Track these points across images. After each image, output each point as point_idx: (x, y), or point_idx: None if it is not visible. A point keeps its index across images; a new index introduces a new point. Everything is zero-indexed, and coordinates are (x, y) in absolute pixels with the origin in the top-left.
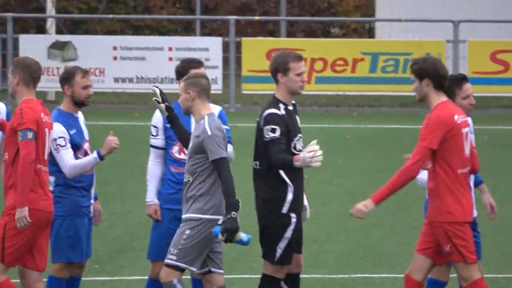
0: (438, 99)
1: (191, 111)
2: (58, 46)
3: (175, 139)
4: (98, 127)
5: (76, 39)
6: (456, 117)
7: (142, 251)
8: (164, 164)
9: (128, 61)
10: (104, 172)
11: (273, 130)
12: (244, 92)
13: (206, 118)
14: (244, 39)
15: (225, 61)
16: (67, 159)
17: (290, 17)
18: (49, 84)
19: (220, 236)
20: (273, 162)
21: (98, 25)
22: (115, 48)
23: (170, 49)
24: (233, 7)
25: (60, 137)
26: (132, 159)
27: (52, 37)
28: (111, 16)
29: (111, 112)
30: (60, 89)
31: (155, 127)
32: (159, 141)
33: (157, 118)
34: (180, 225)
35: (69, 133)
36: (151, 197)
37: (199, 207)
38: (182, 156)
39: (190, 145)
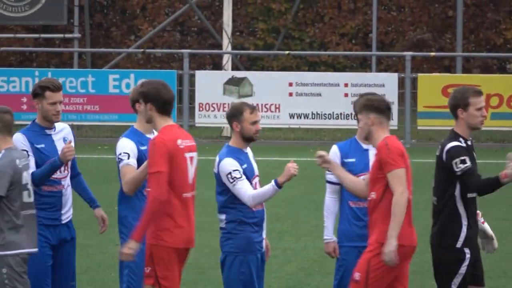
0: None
1: None
2: (234, 82)
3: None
4: (273, 163)
5: (252, 75)
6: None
7: (317, 287)
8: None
9: (303, 97)
10: (277, 208)
11: (463, 161)
12: (419, 128)
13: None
14: (420, 75)
15: (401, 97)
16: (245, 190)
17: (466, 53)
18: (225, 120)
19: None
20: (477, 190)
21: (274, 61)
22: (291, 84)
23: (346, 85)
24: (409, 43)
25: (234, 170)
26: (307, 195)
27: (228, 73)
28: (287, 52)
29: (286, 148)
30: None
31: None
32: (335, 176)
33: (334, 153)
34: None
35: (241, 168)
36: (330, 234)
37: None
38: None
39: None
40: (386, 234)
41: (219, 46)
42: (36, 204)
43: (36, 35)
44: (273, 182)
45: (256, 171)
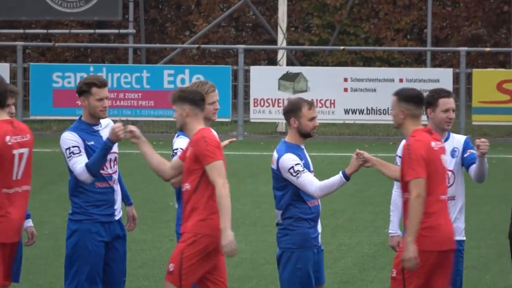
0: None
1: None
2: (289, 77)
3: None
4: (328, 158)
5: (307, 71)
6: None
7: (371, 282)
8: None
9: (358, 93)
10: (332, 203)
11: None
12: (474, 123)
13: None
14: (474, 70)
15: (456, 92)
16: (311, 182)
17: None
18: (279, 115)
19: None
20: None
21: (329, 56)
22: (345, 80)
23: (401, 80)
24: (463, 38)
25: (296, 164)
26: (362, 190)
27: (283, 68)
28: (342, 47)
29: (341, 143)
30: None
31: (400, 157)
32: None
33: (400, 149)
34: None
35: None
36: (394, 228)
37: None
38: None
39: None
40: (202, 224)
41: (274, 42)
42: (90, 201)
43: (91, 31)
44: (340, 173)
45: (311, 167)
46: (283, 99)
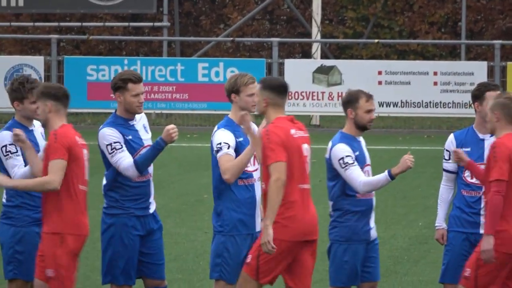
0: None
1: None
2: (323, 70)
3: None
4: None
5: (341, 64)
6: None
7: (405, 275)
8: (455, 188)
9: (393, 86)
10: None
11: None
12: None
13: None
14: (509, 63)
15: None
16: (357, 176)
17: None
18: (314, 108)
19: None
20: None
21: (363, 49)
22: (380, 73)
23: (435, 73)
24: (498, 31)
25: (347, 156)
26: (395, 184)
27: (317, 61)
28: (376, 40)
29: (375, 136)
30: (325, 113)
31: (447, 150)
32: (451, 165)
33: (450, 142)
34: None
35: (354, 154)
36: (440, 221)
37: None
38: (473, 180)
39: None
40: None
41: (308, 35)
42: (127, 195)
43: (126, 24)
44: (386, 172)
45: (368, 160)
46: (317, 92)
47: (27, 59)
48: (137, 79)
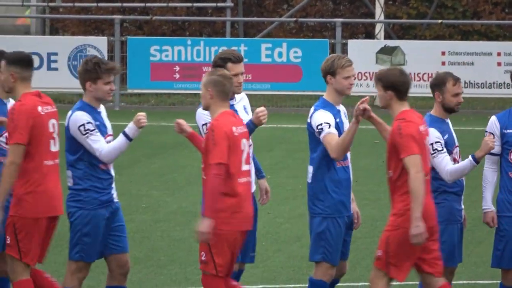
0: None
1: None
2: (386, 51)
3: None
4: None
5: (405, 44)
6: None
7: (469, 255)
8: (499, 170)
9: (456, 66)
10: None
11: None
12: None
13: None
14: None
15: None
16: (445, 164)
17: None
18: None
19: None
20: None
21: (427, 30)
22: (443, 53)
23: (499, 54)
24: None
25: (436, 142)
26: None
27: (380, 42)
28: (439, 21)
29: None
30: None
31: (491, 133)
32: (496, 147)
33: (493, 124)
34: None
35: (443, 139)
36: (488, 204)
37: None
38: None
39: None
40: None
41: (372, 15)
42: None
43: (189, 4)
44: (470, 157)
45: (456, 141)
46: None
47: (91, 40)
48: (237, 59)
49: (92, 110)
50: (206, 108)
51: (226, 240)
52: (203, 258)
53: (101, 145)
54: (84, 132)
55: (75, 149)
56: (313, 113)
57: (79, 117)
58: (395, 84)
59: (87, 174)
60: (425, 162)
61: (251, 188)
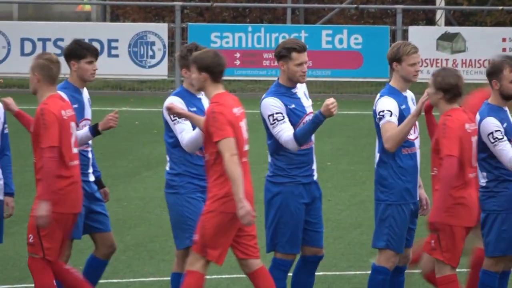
0: None
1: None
2: (447, 37)
3: None
4: None
5: (465, 31)
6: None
7: None
8: None
9: None
10: None
11: None
12: None
13: None
14: None
15: None
16: (507, 152)
17: None
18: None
19: None
20: None
21: (488, 16)
22: (504, 40)
23: None
24: None
25: (496, 131)
26: None
27: (441, 28)
28: (500, 7)
29: None
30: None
31: None
32: None
33: None
34: None
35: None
36: None
37: None
38: None
39: None
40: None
41: (432, 2)
42: (293, 164)
43: None
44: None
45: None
46: (441, 59)
47: (151, 26)
48: (301, 48)
49: (191, 97)
50: (34, 93)
51: (57, 223)
52: (30, 240)
53: (185, 133)
54: (172, 119)
55: (170, 134)
56: (378, 99)
57: (170, 102)
58: (209, 66)
59: (182, 159)
60: (240, 145)
61: (80, 172)
